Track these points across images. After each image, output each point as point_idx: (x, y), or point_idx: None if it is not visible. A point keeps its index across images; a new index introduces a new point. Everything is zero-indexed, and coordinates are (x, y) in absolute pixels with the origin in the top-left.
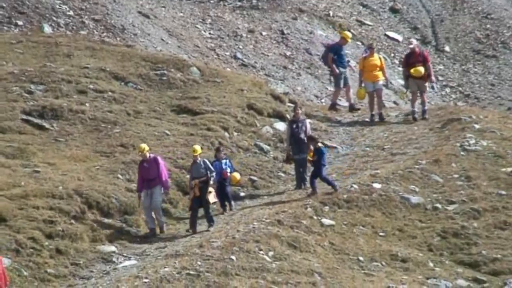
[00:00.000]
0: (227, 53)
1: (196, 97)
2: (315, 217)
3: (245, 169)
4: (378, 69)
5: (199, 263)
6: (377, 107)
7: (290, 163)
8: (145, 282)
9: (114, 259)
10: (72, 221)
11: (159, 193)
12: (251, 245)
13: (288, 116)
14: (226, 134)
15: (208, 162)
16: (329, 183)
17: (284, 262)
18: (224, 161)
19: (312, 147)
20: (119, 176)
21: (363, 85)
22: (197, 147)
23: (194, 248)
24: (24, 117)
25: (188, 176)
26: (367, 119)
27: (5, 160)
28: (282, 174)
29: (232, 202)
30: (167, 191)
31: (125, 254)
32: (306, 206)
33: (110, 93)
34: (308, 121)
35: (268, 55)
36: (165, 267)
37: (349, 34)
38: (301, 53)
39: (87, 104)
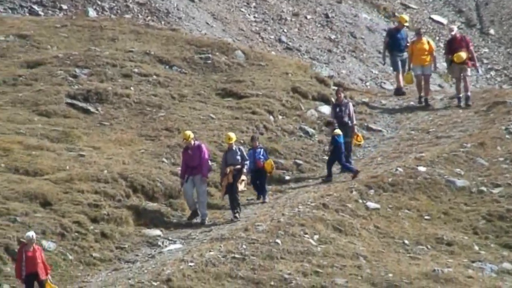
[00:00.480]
0: (272, 37)
1: (241, 81)
2: (360, 201)
3: (290, 153)
4: (426, 53)
5: (244, 246)
6: (423, 92)
7: None
8: (190, 265)
9: (159, 242)
10: (117, 205)
11: (201, 183)
12: (296, 228)
13: (332, 99)
14: (271, 117)
15: (243, 150)
16: (348, 169)
17: (330, 245)
18: (258, 150)
19: (356, 131)
20: (164, 160)
21: (411, 70)
22: (232, 135)
23: (239, 232)
24: (69, 101)
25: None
26: (412, 103)
27: (50, 144)
28: (327, 158)
29: (267, 196)
30: (205, 179)
31: (170, 238)
32: (351, 190)
33: (155, 76)
34: (351, 104)
35: (312, 39)
36: (210, 251)
37: (406, 18)
38: (345, 36)
39: (132, 88)
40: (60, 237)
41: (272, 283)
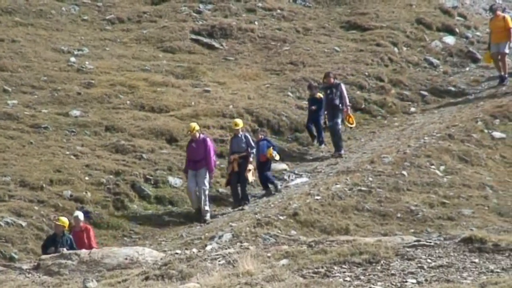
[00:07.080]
0: None
1: (365, 13)
2: (485, 131)
3: (414, 84)
4: (501, 30)
5: (370, 179)
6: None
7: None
8: (316, 199)
9: (285, 176)
10: None
11: (204, 176)
12: (422, 159)
13: (457, 30)
14: (396, 49)
15: (249, 137)
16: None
17: (456, 176)
18: (261, 142)
19: (349, 113)
20: (289, 93)
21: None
22: (239, 121)
23: (365, 164)
24: (194, 36)
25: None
26: None
27: (175, 80)
28: (452, 88)
29: (278, 183)
30: (212, 174)
31: (296, 172)
32: (476, 120)
33: (279, 10)
34: (343, 85)
35: None
36: (336, 184)
37: None
38: None
39: (256, 23)
40: (186, 173)
41: (399, 215)
